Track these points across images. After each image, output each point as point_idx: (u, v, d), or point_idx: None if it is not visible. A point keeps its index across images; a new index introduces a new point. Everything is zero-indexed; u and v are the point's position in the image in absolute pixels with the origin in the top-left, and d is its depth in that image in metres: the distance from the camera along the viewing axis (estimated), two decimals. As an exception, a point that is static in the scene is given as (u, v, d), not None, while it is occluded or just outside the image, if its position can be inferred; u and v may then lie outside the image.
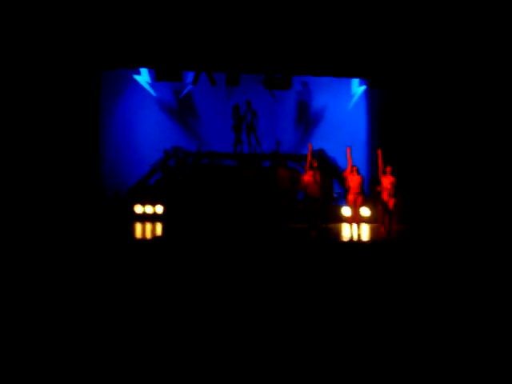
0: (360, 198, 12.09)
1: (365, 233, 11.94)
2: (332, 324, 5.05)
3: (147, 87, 15.92)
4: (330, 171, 13.88)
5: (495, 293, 6.19)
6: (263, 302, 5.79)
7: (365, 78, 14.87)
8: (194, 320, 5.07)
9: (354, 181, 11.91)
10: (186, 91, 16.36)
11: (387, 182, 11.40)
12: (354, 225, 11.89)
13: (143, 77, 15.68)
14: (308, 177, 11.31)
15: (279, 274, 7.29)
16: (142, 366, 3.99)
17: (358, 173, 12.21)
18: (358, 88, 16.29)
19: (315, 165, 10.66)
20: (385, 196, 11.30)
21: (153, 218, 13.77)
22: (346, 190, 12.46)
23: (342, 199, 14.30)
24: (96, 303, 5.65)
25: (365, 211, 13.91)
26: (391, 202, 11.24)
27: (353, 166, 12.07)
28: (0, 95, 11.33)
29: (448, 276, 7.16)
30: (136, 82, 15.73)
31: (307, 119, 17.00)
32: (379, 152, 11.58)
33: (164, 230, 12.12)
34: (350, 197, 11.93)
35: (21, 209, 11.18)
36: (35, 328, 4.76)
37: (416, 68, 13.21)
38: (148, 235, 11.34)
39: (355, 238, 10.99)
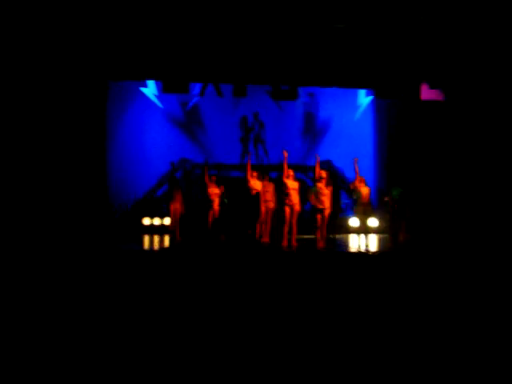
0: (368, 209, 12.07)
1: (373, 244, 11.89)
2: (337, 334, 5.01)
3: (154, 99, 15.97)
4: (338, 182, 13.86)
5: (501, 303, 6.14)
6: (269, 311, 5.76)
7: (371, 89, 14.87)
8: (199, 329, 5.05)
9: (361, 191, 11.90)
10: (192, 103, 16.40)
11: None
12: (362, 235, 11.86)
13: (150, 89, 15.74)
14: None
15: (285, 284, 7.26)
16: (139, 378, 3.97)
17: (366, 184, 12.19)
18: (364, 99, 16.31)
19: (324, 176, 10.63)
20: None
21: (160, 230, 13.75)
22: (353, 201, 12.44)
23: (350, 210, 14.26)
24: (101, 314, 5.63)
25: (373, 222, 13.86)
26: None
27: (360, 177, 12.06)
28: (7, 104, 11.37)
29: (454, 286, 7.12)
30: (143, 95, 15.78)
31: (314, 130, 17.01)
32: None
33: (171, 242, 12.10)
34: (358, 208, 11.91)
35: (27, 220, 11.19)
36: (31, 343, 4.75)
37: (422, 78, 13.22)
38: (156, 247, 11.33)
39: (363, 248, 10.94)
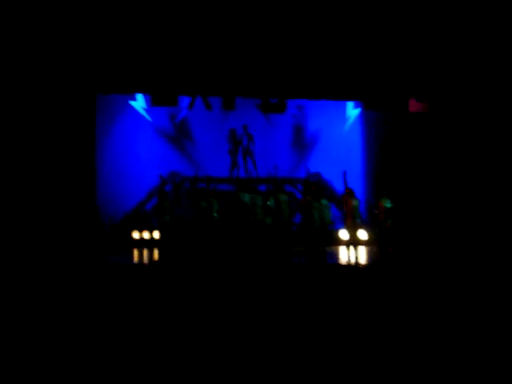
0: (357, 221, 12.05)
1: (362, 256, 11.91)
2: (327, 347, 5.00)
3: (143, 113, 15.96)
4: (327, 195, 13.87)
5: (491, 313, 6.15)
6: (260, 324, 5.74)
7: (360, 101, 14.95)
8: (192, 342, 5.02)
9: (350, 204, 11.90)
10: (181, 116, 16.39)
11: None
12: (352, 248, 11.85)
13: (139, 102, 15.73)
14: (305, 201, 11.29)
15: (277, 298, 7.24)
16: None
17: (355, 196, 12.20)
18: (352, 111, 16.39)
19: (312, 188, 10.64)
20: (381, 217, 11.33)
21: (150, 244, 13.70)
22: (343, 214, 12.44)
23: (340, 222, 14.27)
24: (91, 329, 5.59)
25: (362, 234, 13.88)
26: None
27: (349, 189, 12.08)
28: None
29: (442, 298, 7.14)
30: (131, 108, 15.77)
31: (303, 142, 17.04)
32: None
33: (161, 255, 12.06)
34: (347, 220, 11.91)
35: (15, 234, 11.11)
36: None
37: (409, 89, 13.32)
38: (145, 261, 11.29)
39: (352, 261, 10.96)
